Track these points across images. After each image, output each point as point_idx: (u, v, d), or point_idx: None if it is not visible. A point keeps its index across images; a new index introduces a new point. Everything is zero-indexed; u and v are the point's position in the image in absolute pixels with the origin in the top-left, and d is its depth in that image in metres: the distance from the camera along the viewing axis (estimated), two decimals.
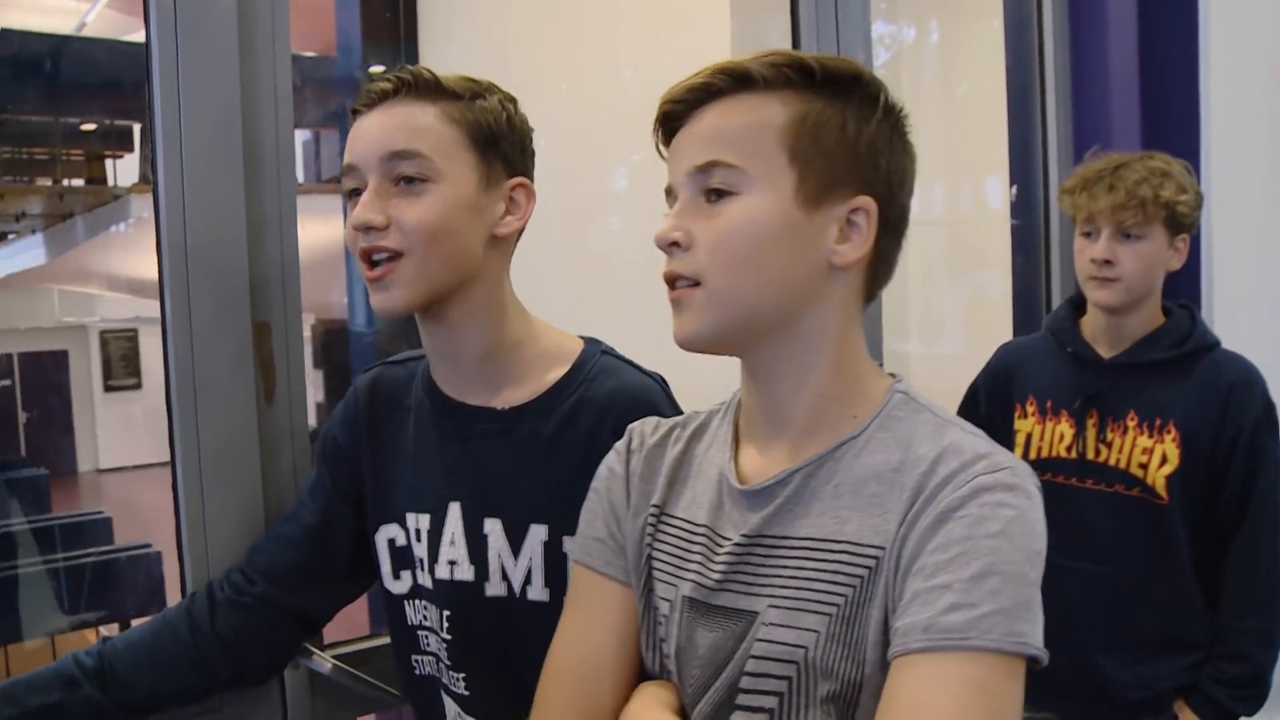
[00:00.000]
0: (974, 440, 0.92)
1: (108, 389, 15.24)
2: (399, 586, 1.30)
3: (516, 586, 1.22)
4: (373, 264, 1.19)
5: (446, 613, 1.25)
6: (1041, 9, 2.59)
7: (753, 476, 0.99)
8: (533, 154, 1.28)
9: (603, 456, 1.14)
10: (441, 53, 4.82)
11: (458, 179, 1.20)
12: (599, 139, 3.28)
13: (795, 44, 2.00)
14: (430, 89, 1.21)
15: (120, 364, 15.36)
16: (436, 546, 1.26)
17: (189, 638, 1.32)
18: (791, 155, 0.94)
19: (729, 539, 0.98)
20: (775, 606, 0.94)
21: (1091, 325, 2.00)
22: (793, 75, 0.95)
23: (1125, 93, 2.53)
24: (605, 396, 1.23)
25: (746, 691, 0.94)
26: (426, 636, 1.29)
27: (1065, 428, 1.97)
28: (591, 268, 3.45)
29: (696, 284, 0.95)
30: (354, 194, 1.20)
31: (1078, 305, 2.05)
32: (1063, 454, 1.97)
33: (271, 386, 1.45)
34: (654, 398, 1.24)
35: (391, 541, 1.31)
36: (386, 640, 1.51)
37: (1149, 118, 2.52)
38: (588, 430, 1.22)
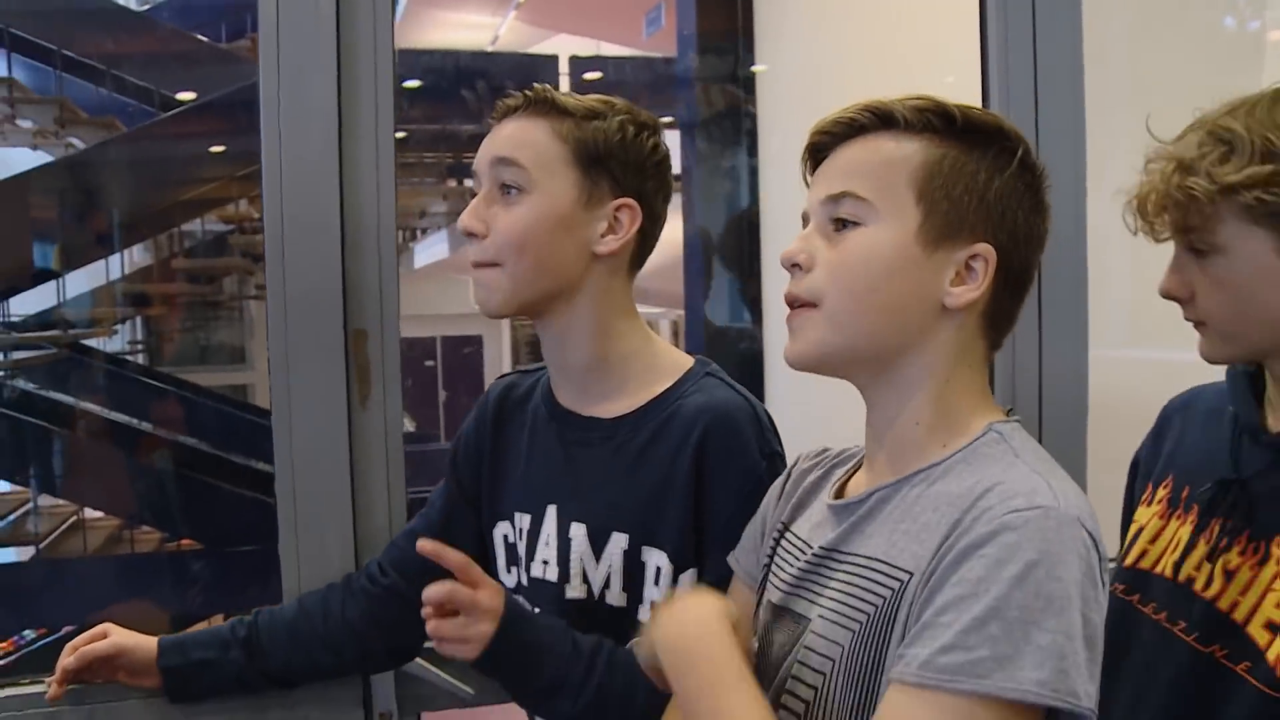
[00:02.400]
0: (1030, 479, 0.91)
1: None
2: (509, 581, 1.37)
3: (596, 589, 1.27)
4: (478, 266, 1.28)
5: (536, 610, 1.30)
6: None
7: (850, 494, 1.05)
8: (653, 177, 1.30)
9: (685, 470, 1.23)
10: (774, 52, 4.83)
11: (553, 192, 1.26)
12: None
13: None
14: (546, 106, 1.28)
15: (527, 349, 16.56)
16: (534, 546, 1.33)
17: (322, 621, 1.43)
18: (919, 195, 0.98)
19: (815, 550, 1.03)
20: (822, 617, 0.99)
21: (1274, 384, 1.19)
22: (934, 120, 0.99)
23: None
24: (693, 412, 1.26)
25: (788, 693, 1.01)
26: None
27: (1186, 531, 1.21)
28: None
29: (813, 305, 0.99)
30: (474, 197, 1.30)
31: None
32: (1167, 572, 1.21)
33: (367, 391, 1.51)
34: (741, 417, 1.26)
35: (505, 538, 1.38)
36: None
37: None
38: (674, 444, 1.26)
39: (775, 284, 4.41)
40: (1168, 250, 1.17)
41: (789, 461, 1.21)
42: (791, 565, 1.06)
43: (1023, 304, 1.03)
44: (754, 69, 4.90)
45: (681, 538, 1.24)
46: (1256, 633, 1.09)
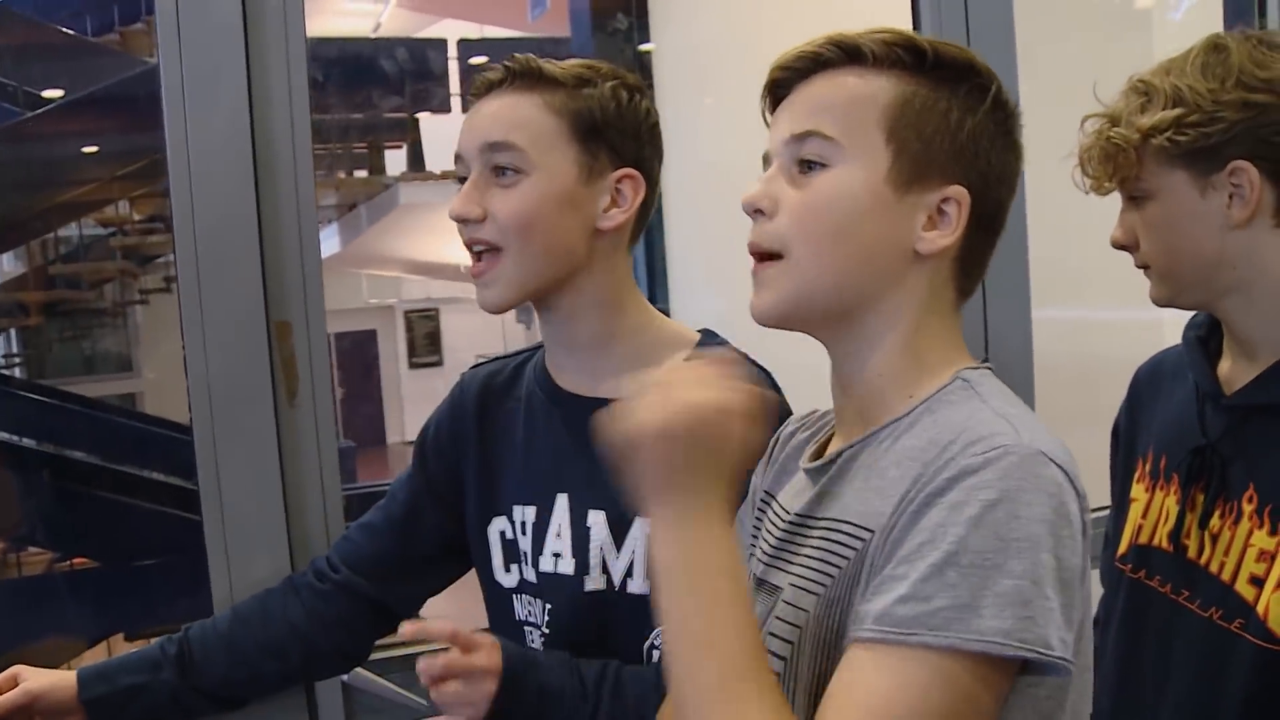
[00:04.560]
0: (993, 422, 0.87)
1: (412, 365, 16.31)
2: (509, 580, 1.30)
3: (617, 580, 1.22)
4: (476, 257, 1.21)
5: (548, 606, 1.25)
6: None
7: (827, 457, 0.99)
8: (649, 143, 1.24)
9: None
10: (671, 25, 4.80)
11: (553, 171, 1.19)
12: None
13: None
14: (534, 78, 1.20)
15: (424, 342, 16.39)
16: (542, 539, 1.26)
17: (261, 626, 1.34)
18: (889, 135, 0.93)
19: (790, 516, 0.99)
20: (792, 584, 0.95)
21: (1227, 336, 1.24)
22: (903, 55, 0.94)
23: None
24: None
25: None
26: (531, 632, 1.28)
27: (1172, 502, 1.24)
28: None
29: (778, 257, 0.94)
30: (462, 182, 1.22)
31: None
32: (1164, 544, 1.24)
33: (294, 387, 1.42)
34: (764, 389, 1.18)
35: (502, 534, 1.30)
36: (424, 647, 1.47)
37: None
38: None
39: (679, 260, 4.41)
40: (1101, 209, 1.20)
41: None
42: (771, 535, 1.02)
43: (994, 248, 0.99)
44: (644, 47, 4.87)
45: None
46: (1244, 589, 1.13)
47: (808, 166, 0.94)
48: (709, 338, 1.27)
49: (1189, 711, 1.20)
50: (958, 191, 0.93)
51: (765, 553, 1.01)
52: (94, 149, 7.64)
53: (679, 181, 4.41)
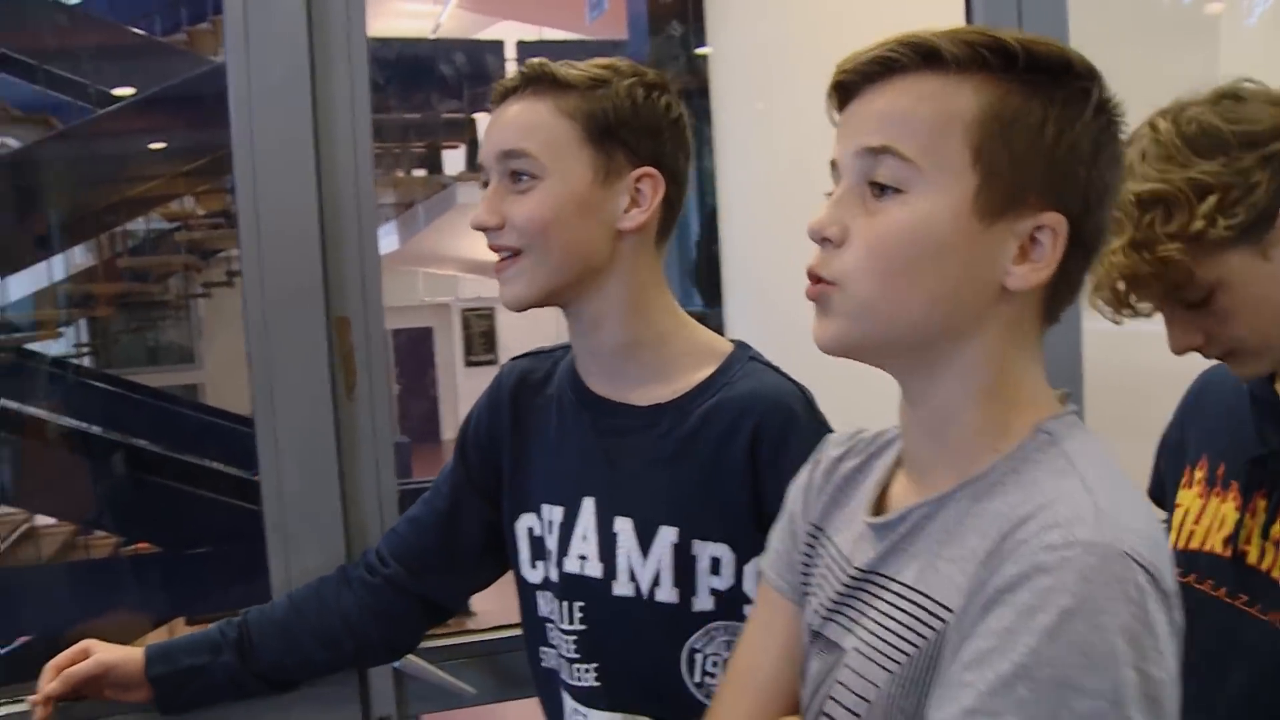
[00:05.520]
0: (1077, 500, 0.77)
1: (468, 364, 16.40)
2: (534, 576, 1.32)
3: (644, 588, 1.22)
4: (500, 261, 1.22)
5: (579, 604, 1.25)
6: None
7: (892, 506, 0.92)
8: (670, 140, 1.23)
9: (734, 461, 1.16)
10: (727, 27, 4.80)
11: (568, 175, 1.19)
12: None
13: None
14: (548, 83, 1.21)
15: (480, 340, 16.48)
16: (568, 540, 1.26)
17: (316, 615, 1.38)
18: (976, 154, 0.82)
19: (853, 570, 0.92)
20: (858, 650, 0.88)
21: None
22: (989, 58, 0.83)
23: None
24: (741, 400, 1.20)
25: None
26: (552, 629, 1.29)
27: (1230, 509, 1.24)
28: None
29: (835, 284, 0.85)
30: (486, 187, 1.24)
31: None
32: (1218, 549, 1.24)
33: (352, 381, 1.47)
34: (794, 404, 1.20)
35: (530, 531, 1.32)
36: (473, 636, 1.52)
37: None
38: (721, 434, 1.20)
39: (735, 266, 4.39)
40: None
41: None
42: (830, 583, 0.94)
43: (1090, 268, 0.88)
44: (701, 50, 4.87)
45: (742, 529, 1.19)
46: None
47: (880, 190, 0.84)
48: (741, 350, 1.26)
49: (1247, 713, 1.20)
50: (1054, 219, 0.82)
51: (825, 605, 0.94)
52: (161, 145, 7.79)
53: (735, 187, 4.41)
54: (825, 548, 0.97)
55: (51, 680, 1.32)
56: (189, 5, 9.31)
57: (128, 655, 1.35)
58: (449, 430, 15.93)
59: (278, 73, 1.43)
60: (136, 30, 8.85)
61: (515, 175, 1.20)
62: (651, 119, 1.22)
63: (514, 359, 1.40)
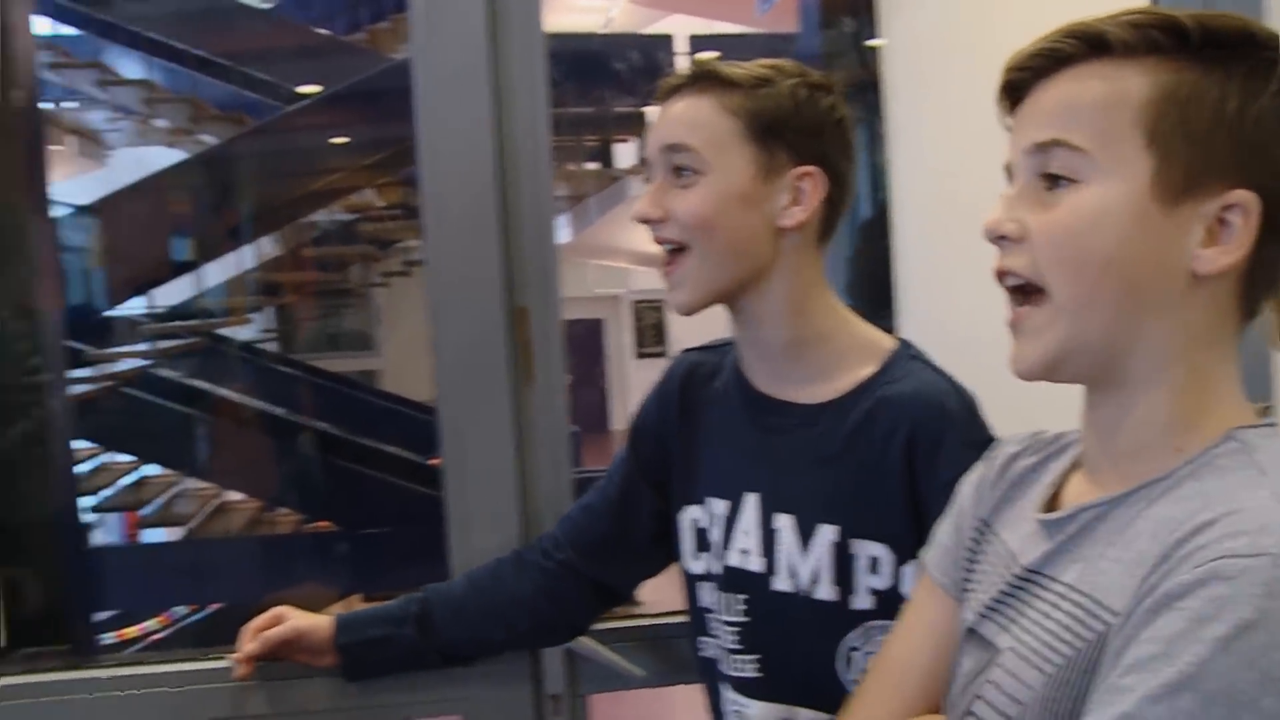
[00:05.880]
0: (1269, 510, 0.73)
1: (639, 356, 16.52)
2: (697, 567, 1.35)
3: (804, 584, 1.24)
4: (666, 257, 1.25)
5: (741, 597, 1.28)
6: None
7: (1064, 507, 0.89)
8: (833, 140, 1.25)
9: (893, 461, 1.17)
10: (901, 18, 4.71)
11: (729, 170, 1.22)
12: None
13: None
14: (711, 81, 1.24)
15: (650, 333, 16.58)
16: (731, 534, 1.29)
17: (493, 595, 1.44)
18: (1151, 137, 0.80)
19: (1017, 568, 0.90)
20: (1014, 650, 0.86)
21: None
22: (1160, 39, 0.80)
23: None
24: (903, 399, 1.21)
25: None
26: (712, 620, 1.32)
27: None
28: None
29: (1038, 292, 0.83)
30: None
31: None
32: None
33: (530, 370, 1.52)
34: (953, 404, 1.21)
35: (695, 522, 1.35)
36: (643, 620, 1.55)
37: None
38: (882, 433, 1.21)
39: (908, 264, 4.31)
40: None
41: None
42: (993, 581, 0.92)
43: None
44: (872, 42, 4.80)
45: (900, 529, 1.19)
46: None
47: (1054, 182, 0.82)
48: (903, 348, 1.26)
49: None
50: (1243, 197, 0.79)
51: (984, 602, 0.92)
52: (344, 140, 8.10)
53: (907, 185, 4.33)
54: (992, 544, 0.95)
55: (250, 641, 1.42)
56: (370, 5, 9.66)
57: (318, 622, 1.43)
58: (618, 421, 16.10)
59: (459, 67, 1.49)
60: (322, 31, 9.22)
61: (678, 170, 1.23)
62: (814, 119, 1.24)
63: (685, 351, 1.43)
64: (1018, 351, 0.85)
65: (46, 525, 3.92)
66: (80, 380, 6.35)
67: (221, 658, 1.47)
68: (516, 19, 1.51)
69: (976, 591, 0.94)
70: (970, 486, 1.02)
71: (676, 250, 1.24)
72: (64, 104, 9.39)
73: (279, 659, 1.44)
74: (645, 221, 1.25)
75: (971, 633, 0.92)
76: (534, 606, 1.43)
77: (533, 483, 1.53)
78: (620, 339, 17.00)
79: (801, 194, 1.23)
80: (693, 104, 1.24)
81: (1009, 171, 0.87)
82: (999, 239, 0.85)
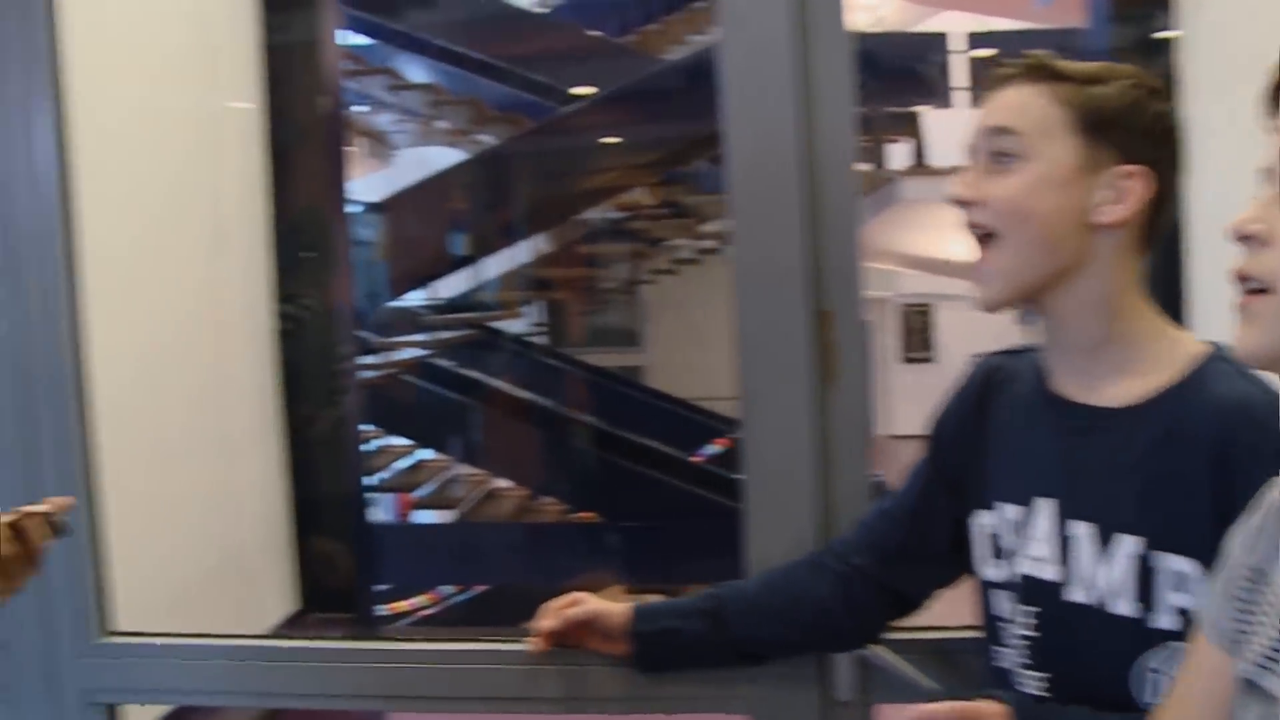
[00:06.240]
0: None
1: (905, 360, 16.18)
2: (992, 574, 1.32)
3: (1102, 597, 1.19)
4: (977, 244, 1.23)
5: (1034, 609, 1.25)
6: None
7: None
8: (1162, 145, 1.21)
9: (1200, 472, 1.11)
10: (1200, 12, 4.42)
11: (1051, 158, 1.20)
12: None
13: None
14: (1044, 72, 1.23)
15: (917, 337, 16.22)
16: (1025, 541, 1.26)
17: (787, 596, 1.45)
18: None
19: None
20: None
21: None
22: None
23: None
24: (1215, 407, 1.15)
25: None
26: (1005, 629, 1.29)
27: None
28: None
29: (1264, 291, 0.83)
30: None
31: None
32: None
33: (833, 373, 1.50)
34: (1265, 415, 1.13)
35: (989, 528, 1.32)
36: (935, 633, 1.51)
37: None
38: (1192, 441, 1.15)
39: (1204, 269, 4.05)
40: None
41: None
42: (1269, 631, 0.88)
43: None
44: (1165, 34, 4.52)
45: (1209, 545, 1.10)
46: None
47: None
48: (1216, 353, 1.19)
49: None
50: None
51: (1261, 653, 0.87)
52: (616, 140, 8.30)
53: (1203, 186, 4.06)
54: (1265, 593, 0.90)
55: (550, 619, 1.47)
56: (641, 8, 9.85)
57: (614, 608, 1.47)
58: (883, 425, 15.78)
59: (765, 64, 1.49)
60: (594, 33, 9.47)
61: (999, 155, 1.21)
62: (1144, 120, 1.20)
63: (985, 355, 1.40)
64: (1241, 334, 0.85)
65: (339, 502, 4.21)
66: (367, 367, 6.76)
67: (512, 640, 1.52)
68: (822, 15, 1.50)
69: (1252, 643, 0.89)
70: (1241, 535, 0.96)
71: (985, 239, 1.22)
72: (355, 108, 10.02)
73: (571, 645, 1.48)
74: (959, 203, 1.23)
75: (1250, 685, 0.87)
76: (827, 609, 1.43)
77: (831, 485, 1.52)
78: (885, 342, 16.68)
79: (1124, 192, 1.19)
80: (1023, 91, 1.22)
81: (1268, 175, 0.85)
82: (1245, 239, 0.84)
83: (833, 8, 1.51)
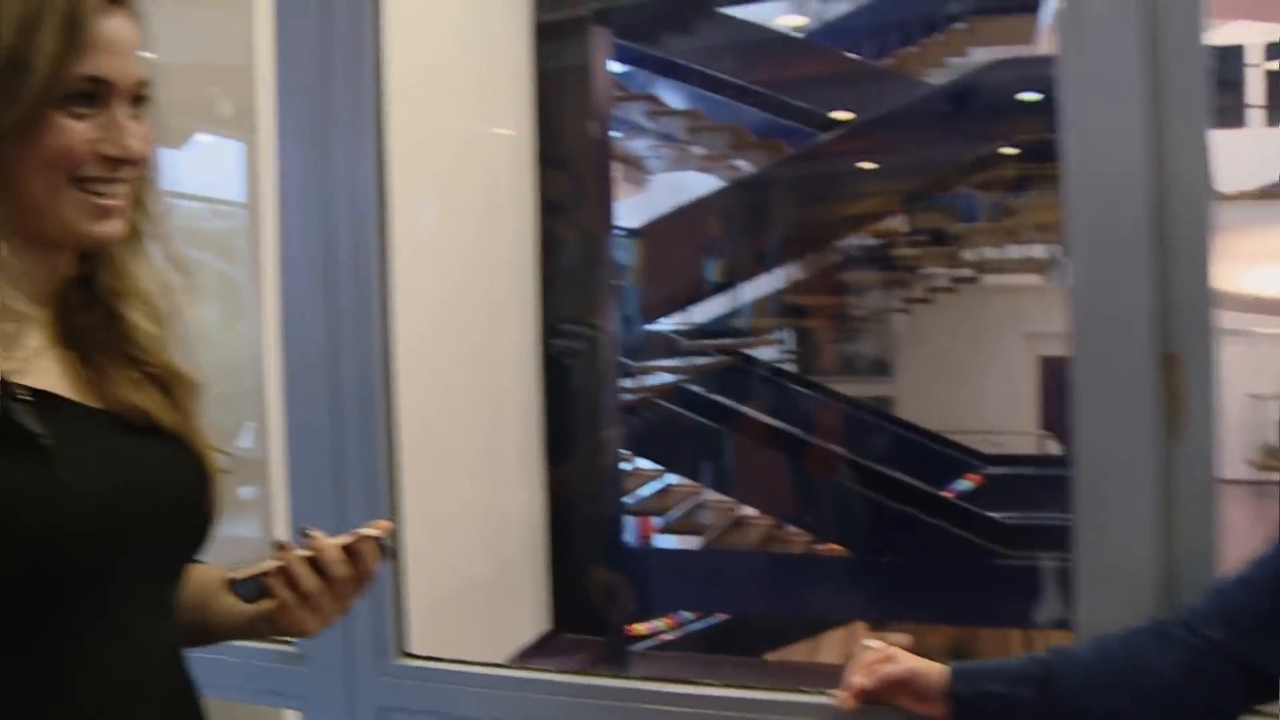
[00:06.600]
0: None
1: None
2: None
3: None
4: None
5: None
6: None
7: None
8: None
9: None
10: None
11: None
12: None
13: None
14: None
15: None
16: None
17: (1126, 667, 1.32)
18: None
19: None
20: None
21: None
22: None
23: None
24: None
25: None
26: None
27: None
28: None
29: None
30: None
31: None
32: None
33: (1179, 420, 1.36)
34: None
35: None
36: None
37: None
38: None
39: None
40: None
41: None
42: None
43: None
44: None
45: None
46: None
47: None
48: None
49: None
50: None
51: None
52: (875, 166, 8.14)
53: None
54: None
55: (861, 675, 1.39)
56: (899, 30, 9.64)
57: (930, 667, 1.37)
58: None
59: (1112, 84, 1.37)
60: (852, 56, 9.32)
61: None
62: None
63: None
64: None
65: (597, 526, 4.25)
66: (623, 390, 6.84)
67: (807, 692, 1.45)
68: (1176, 25, 1.36)
69: None
70: None
71: None
72: (613, 134, 10.19)
73: (880, 701, 1.39)
74: None
75: None
76: (1172, 683, 1.28)
77: (1175, 544, 1.37)
78: None
79: None
80: None
81: None
82: None
83: (1190, 16, 1.36)
